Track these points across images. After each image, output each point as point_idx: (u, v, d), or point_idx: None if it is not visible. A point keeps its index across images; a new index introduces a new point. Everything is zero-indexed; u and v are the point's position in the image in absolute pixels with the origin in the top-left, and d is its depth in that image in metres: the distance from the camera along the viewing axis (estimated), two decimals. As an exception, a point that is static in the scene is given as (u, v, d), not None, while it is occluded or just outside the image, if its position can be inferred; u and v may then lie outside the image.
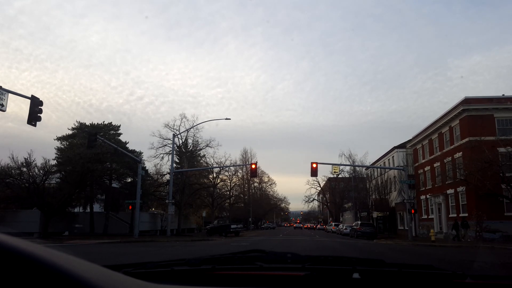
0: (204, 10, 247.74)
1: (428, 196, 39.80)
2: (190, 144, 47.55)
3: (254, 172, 38.02)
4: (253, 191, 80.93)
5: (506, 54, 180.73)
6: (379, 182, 55.27)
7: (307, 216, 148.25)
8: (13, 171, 30.97)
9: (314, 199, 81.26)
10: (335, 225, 59.93)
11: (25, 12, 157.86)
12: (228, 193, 66.14)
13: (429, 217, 39.71)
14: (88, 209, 41.56)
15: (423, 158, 41.61)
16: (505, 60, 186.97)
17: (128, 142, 44.01)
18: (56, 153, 41.27)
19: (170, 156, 39.29)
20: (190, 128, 43.05)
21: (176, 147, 42.26)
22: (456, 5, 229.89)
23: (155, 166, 58.07)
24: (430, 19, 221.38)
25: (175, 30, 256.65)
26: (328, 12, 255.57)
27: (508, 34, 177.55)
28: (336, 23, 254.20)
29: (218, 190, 60.13)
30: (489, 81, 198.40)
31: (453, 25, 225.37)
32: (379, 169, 58.25)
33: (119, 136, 44.37)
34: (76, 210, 41.06)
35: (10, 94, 18.24)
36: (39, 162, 32.44)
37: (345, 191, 68.63)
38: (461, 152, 31.86)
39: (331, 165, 38.71)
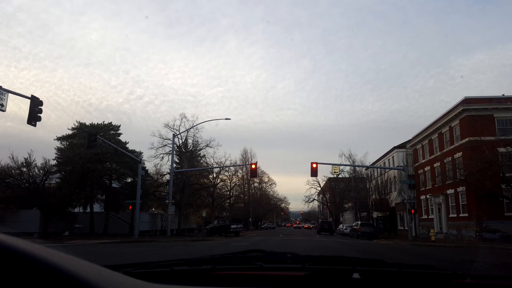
0: (204, 8, 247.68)
1: (428, 196, 39.81)
2: (190, 144, 47.58)
3: (254, 172, 38.02)
4: (253, 191, 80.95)
5: (509, 53, 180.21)
6: (379, 182, 55.28)
7: (307, 216, 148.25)
8: (13, 171, 30.98)
9: (314, 199, 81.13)
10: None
11: (23, 9, 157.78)
12: (228, 193, 66.13)
13: (429, 217, 39.72)
14: (88, 209, 41.59)
15: (423, 158, 41.62)
16: (508, 59, 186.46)
17: (128, 142, 44.07)
18: (56, 153, 41.30)
19: (170, 156, 39.31)
20: (190, 128, 43.10)
21: (176, 147, 42.26)
22: (459, 2, 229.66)
23: (155, 166, 58.16)
24: (433, 17, 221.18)
25: (175, 28, 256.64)
26: (329, 9, 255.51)
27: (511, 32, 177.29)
28: (337, 21, 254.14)
29: (218, 190, 60.13)
30: (492, 80, 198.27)
31: (456, 23, 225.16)
32: (379, 169, 58.27)
33: (119, 136, 44.40)
34: (76, 210, 41.09)
35: (9, 94, 18.24)
36: (39, 162, 32.51)
37: (345, 191, 68.58)
38: (461, 152, 31.86)
39: (331, 165, 38.61)
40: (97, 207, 42.59)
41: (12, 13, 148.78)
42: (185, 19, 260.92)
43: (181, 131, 42.84)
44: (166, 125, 44.32)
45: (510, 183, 26.31)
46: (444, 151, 35.78)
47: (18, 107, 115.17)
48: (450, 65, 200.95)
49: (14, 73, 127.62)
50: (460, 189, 32.09)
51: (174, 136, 39.52)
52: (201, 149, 48.52)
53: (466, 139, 30.92)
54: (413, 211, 33.81)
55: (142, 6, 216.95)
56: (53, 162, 35.84)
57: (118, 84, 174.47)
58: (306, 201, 78.65)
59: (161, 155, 43.62)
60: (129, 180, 42.97)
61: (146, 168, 43.17)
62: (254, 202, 76.78)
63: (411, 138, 45.50)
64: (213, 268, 1.80)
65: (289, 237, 36.58)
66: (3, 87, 17.79)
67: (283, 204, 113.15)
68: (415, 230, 40.41)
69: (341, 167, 50.92)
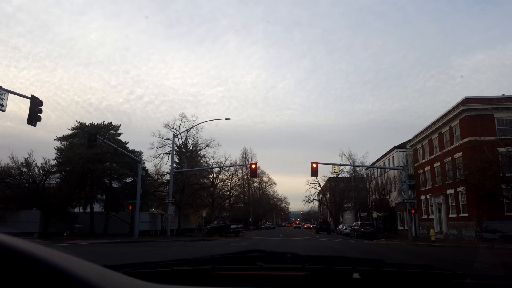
0: (204, 8, 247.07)
1: (428, 196, 39.82)
2: (190, 144, 47.56)
3: (254, 172, 38.04)
4: (253, 191, 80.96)
5: (509, 53, 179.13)
6: (379, 182, 55.30)
7: (307, 216, 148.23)
8: (13, 171, 30.96)
9: (314, 199, 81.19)
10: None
11: (23, 9, 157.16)
12: (228, 193, 66.16)
13: (429, 217, 39.72)
14: (88, 209, 41.59)
15: (423, 158, 41.62)
16: (508, 59, 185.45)
17: (128, 142, 44.05)
18: (56, 153, 41.30)
19: (170, 156, 39.31)
20: (190, 128, 43.10)
21: (176, 147, 42.26)
22: (459, 2, 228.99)
23: (155, 166, 58.15)
24: (433, 17, 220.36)
25: (175, 28, 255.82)
26: (329, 9, 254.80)
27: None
28: (337, 21, 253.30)
29: (218, 190, 60.16)
30: (492, 79, 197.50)
31: (456, 23, 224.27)
32: (379, 169, 58.28)
33: (119, 136, 44.39)
34: (76, 210, 41.09)
35: (9, 94, 18.24)
36: (39, 162, 32.47)
37: (345, 191, 68.62)
38: (461, 152, 31.87)
39: (331, 165, 38.68)
40: (97, 207, 42.59)
41: (12, 13, 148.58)
42: (185, 19, 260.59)
43: (181, 131, 42.88)
44: (166, 125, 44.34)
45: (510, 183, 26.31)
46: (444, 151, 35.78)
47: (18, 107, 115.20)
48: (450, 65, 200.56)
49: (14, 73, 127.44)
50: (460, 189, 32.09)
51: (174, 136, 39.54)
52: (201, 149, 48.54)
53: (466, 139, 30.92)
54: (413, 211, 33.82)
55: (142, 6, 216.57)
56: (53, 162, 35.86)
57: (118, 84, 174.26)
58: (306, 201, 78.79)
59: (161, 155, 43.66)
60: (129, 180, 42.97)
61: (146, 168, 43.20)
62: (254, 202, 76.78)
63: (411, 138, 45.52)
64: (213, 268, 1.80)
65: (289, 237, 36.58)
66: (3, 87, 17.80)
67: (283, 204, 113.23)
68: (415, 230, 40.41)
69: (341, 167, 50.99)
